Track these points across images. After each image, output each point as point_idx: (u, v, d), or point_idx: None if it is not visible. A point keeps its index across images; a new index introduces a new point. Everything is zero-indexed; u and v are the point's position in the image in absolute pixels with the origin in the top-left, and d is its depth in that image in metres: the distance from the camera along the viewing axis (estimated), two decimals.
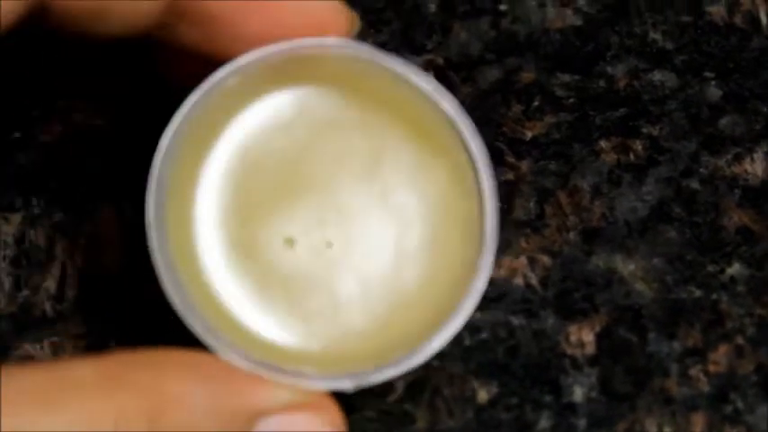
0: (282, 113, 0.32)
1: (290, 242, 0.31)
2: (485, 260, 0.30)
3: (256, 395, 0.28)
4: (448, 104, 0.31)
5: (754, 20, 0.39)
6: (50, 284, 0.35)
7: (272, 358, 0.29)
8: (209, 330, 0.29)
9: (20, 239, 0.35)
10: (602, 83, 0.38)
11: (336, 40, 0.31)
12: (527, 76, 0.38)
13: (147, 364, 0.27)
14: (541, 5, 0.39)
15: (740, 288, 0.36)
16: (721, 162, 0.38)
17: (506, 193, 0.37)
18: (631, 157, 0.38)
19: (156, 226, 0.29)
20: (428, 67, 0.38)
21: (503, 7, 0.39)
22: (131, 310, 0.35)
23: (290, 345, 0.31)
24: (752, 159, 0.38)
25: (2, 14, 0.28)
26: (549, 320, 0.35)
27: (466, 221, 0.31)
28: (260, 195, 0.31)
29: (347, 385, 0.29)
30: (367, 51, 0.31)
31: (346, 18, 0.32)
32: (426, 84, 0.31)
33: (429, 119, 0.31)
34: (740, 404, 0.35)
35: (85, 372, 0.27)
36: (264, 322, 0.31)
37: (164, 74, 0.33)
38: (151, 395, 0.27)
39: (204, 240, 0.31)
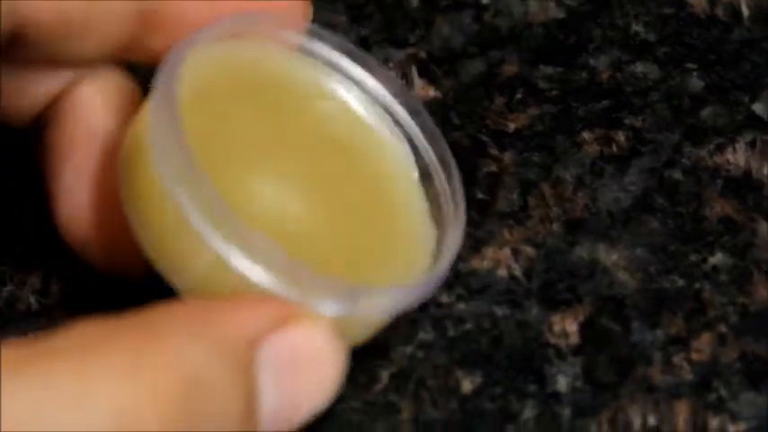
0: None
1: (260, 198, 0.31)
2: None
3: (247, 321, 0.27)
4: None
5: (735, 12, 0.40)
6: (35, 279, 0.35)
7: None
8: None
9: (4, 235, 0.35)
10: (584, 75, 0.39)
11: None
12: (510, 68, 0.39)
13: (134, 331, 0.27)
14: None
15: (723, 277, 0.36)
16: (703, 153, 0.38)
17: (490, 185, 0.37)
18: (614, 148, 0.38)
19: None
20: (411, 60, 0.39)
21: (485, 1, 0.40)
22: (116, 302, 0.35)
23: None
24: (734, 150, 0.38)
25: None
26: (533, 311, 0.35)
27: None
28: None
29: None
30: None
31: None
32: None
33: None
34: (723, 392, 0.35)
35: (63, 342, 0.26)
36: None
37: None
38: (151, 361, 0.26)
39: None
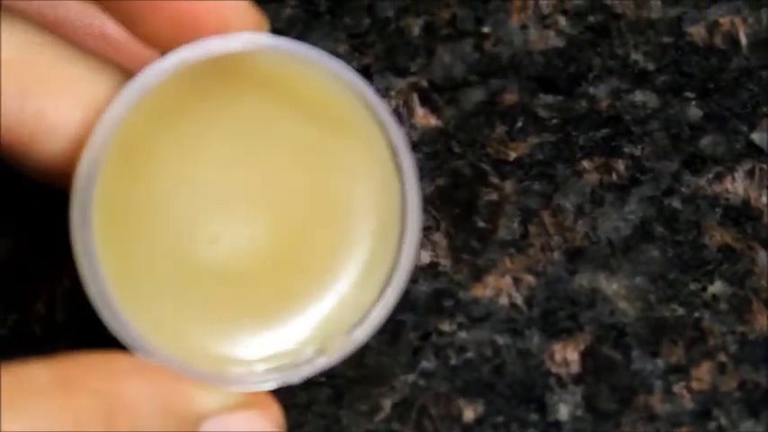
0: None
1: (214, 239, 0.31)
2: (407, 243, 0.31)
3: (200, 397, 0.29)
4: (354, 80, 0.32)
5: (733, 41, 0.40)
6: (40, 307, 0.35)
7: (199, 360, 0.30)
8: (135, 335, 0.29)
9: (8, 262, 0.35)
10: (584, 103, 0.39)
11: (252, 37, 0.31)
12: (510, 97, 0.39)
13: (99, 367, 0.28)
14: (524, 27, 0.40)
15: (722, 306, 0.36)
16: (702, 181, 0.38)
17: (491, 214, 0.37)
18: (614, 176, 0.38)
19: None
20: (412, 89, 0.39)
21: (486, 29, 0.40)
22: None
23: (217, 346, 0.31)
24: (733, 178, 0.38)
25: None
26: (534, 339, 0.36)
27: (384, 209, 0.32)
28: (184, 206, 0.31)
29: (271, 385, 0.31)
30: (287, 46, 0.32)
31: (255, 18, 0.32)
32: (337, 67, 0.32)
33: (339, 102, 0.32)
34: (724, 420, 0.35)
35: (41, 373, 0.27)
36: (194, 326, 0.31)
37: None
38: (106, 398, 0.27)
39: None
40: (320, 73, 0.32)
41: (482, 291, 0.36)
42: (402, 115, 0.38)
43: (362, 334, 0.31)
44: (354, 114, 0.32)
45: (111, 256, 0.30)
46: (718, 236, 0.37)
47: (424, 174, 0.37)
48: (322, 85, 0.32)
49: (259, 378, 0.31)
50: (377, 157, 0.32)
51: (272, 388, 0.31)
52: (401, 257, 0.32)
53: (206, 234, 0.31)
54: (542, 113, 0.39)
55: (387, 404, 0.35)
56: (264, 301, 0.31)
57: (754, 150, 0.38)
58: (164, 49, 0.31)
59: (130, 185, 0.30)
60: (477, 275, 0.36)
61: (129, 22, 0.31)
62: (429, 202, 0.37)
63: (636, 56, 0.40)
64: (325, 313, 0.31)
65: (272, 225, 0.31)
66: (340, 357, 0.31)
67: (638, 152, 0.38)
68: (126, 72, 0.31)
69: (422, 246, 0.36)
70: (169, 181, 0.31)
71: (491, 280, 0.36)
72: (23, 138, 0.30)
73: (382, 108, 0.32)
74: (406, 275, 0.32)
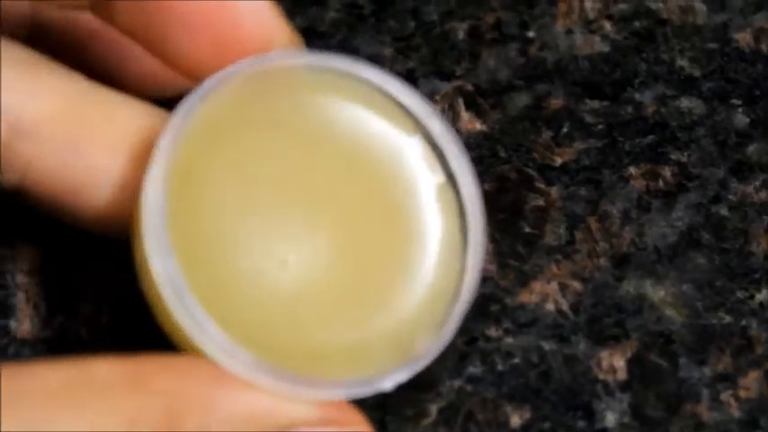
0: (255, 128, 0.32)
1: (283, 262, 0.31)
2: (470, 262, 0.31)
3: (282, 406, 0.28)
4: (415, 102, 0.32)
5: None
6: (86, 310, 0.35)
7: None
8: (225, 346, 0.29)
9: (55, 265, 0.35)
10: (630, 109, 0.39)
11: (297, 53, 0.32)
12: (556, 102, 0.39)
13: (172, 368, 0.28)
14: (569, 32, 0.40)
15: None
16: (749, 189, 0.38)
17: (537, 219, 0.37)
18: (660, 183, 0.38)
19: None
20: (458, 93, 0.39)
21: (531, 34, 0.40)
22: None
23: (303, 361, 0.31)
24: None
25: None
26: (581, 346, 0.36)
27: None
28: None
29: (360, 393, 0.30)
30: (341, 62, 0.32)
31: (289, 34, 0.32)
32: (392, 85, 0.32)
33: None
34: None
35: (109, 371, 0.27)
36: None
37: None
38: (171, 397, 0.27)
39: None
40: (379, 95, 0.32)
41: (528, 296, 0.36)
42: (447, 119, 0.38)
43: (448, 332, 0.31)
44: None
45: (194, 284, 0.29)
46: (765, 243, 0.37)
47: None
48: (381, 106, 0.32)
49: (345, 387, 0.30)
50: (431, 163, 0.32)
51: (361, 396, 0.30)
52: (467, 262, 0.31)
53: (276, 258, 0.31)
54: (588, 119, 0.39)
55: (433, 409, 0.35)
56: (344, 316, 0.31)
57: None
58: (198, 75, 0.31)
59: (194, 213, 0.30)
60: (524, 281, 0.36)
61: (165, 50, 0.31)
62: None
63: (682, 62, 0.40)
64: (405, 319, 0.31)
65: (338, 242, 0.31)
66: (428, 360, 0.31)
67: (684, 159, 0.38)
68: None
69: None
70: (231, 206, 0.31)
71: (537, 286, 0.36)
72: (72, 187, 0.31)
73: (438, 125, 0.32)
74: (477, 277, 0.31)
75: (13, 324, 0.35)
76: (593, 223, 0.37)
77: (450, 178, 0.32)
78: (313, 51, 0.32)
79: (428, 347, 0.31)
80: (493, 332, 0.36)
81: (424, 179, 0.32)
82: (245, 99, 0.31)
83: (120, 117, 0.31)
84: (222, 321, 0.29)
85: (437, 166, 0.32)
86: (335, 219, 0.31)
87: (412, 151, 0.32)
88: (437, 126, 0.32)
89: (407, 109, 0.32)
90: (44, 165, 0.31)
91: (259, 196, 0.31)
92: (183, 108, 0.30)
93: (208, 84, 0.30)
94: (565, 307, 0.36)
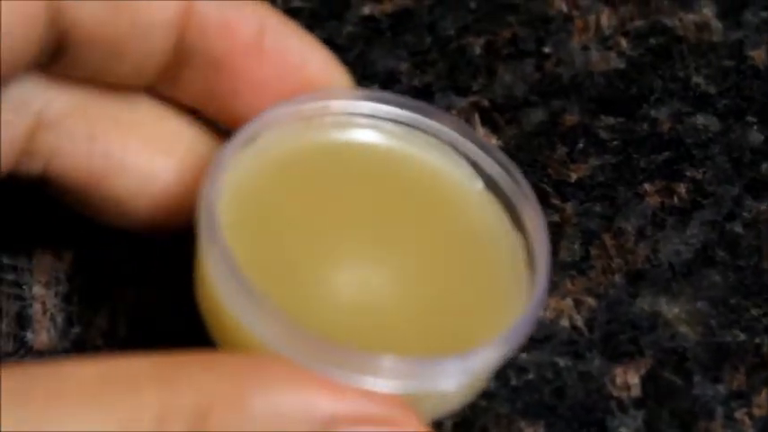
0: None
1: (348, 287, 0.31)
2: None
3: (323, 403, 0.27)
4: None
5: None
6: (102, 321, 0.35)
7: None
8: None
9: (72, 277, 0.35)
10: (645, 126, 0.39)
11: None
12: (571, 118, 0.39)
13: (202, 364, 0.27)
14: (585, 48, 0.40)
15: None
16: (764, 206, 0.38)
17: (552, 235, 0.37)
18: (675, 200, 0.38)
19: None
20: (474, 108, 0.39)
21: (547, 50, 0.40)
22: (183, 344, 0.35)
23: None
24: None
25: None
26: (595, 362, 0.36)
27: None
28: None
29: (414, 386, 0.28)
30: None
31: (343, 72, 0.32)
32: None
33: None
34: None
35: (141, 367, 0.26)
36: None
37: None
38: (201, 394, 0.26)
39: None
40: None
41: (543, 312, 0.36)
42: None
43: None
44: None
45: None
46: None
47: None
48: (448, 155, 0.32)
49: (400, 385, 0.28)
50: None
51: (414, 391, 0.28)
52: (537, 278, 0.31)
53: (338, 283, 0.31)
54: (603, 135, 0.39)
55: (448, 424, 0.35)
56: (407, 344, 0.30)
57: None
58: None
59: (253, 237, 0.30)
60: None
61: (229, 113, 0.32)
62: None
63: (697, 79, 0.40)
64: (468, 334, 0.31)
65: (399, 268, 0.31)
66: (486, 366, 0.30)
67: (699, 176, 0.38)
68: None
69: None
70: (290, 231, 0.31)
71: (552, 302, 0.36)
72: (93, 178, 0.32)
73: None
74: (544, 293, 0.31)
75: (29, 335, 0.35)
76: (607, 240, 0.37)
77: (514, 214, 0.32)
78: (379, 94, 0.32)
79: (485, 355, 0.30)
80: None
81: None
82: (303, 131, 0.32)
83: (175, 130, 0.32)
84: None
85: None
86: (396, 245, 0.31)
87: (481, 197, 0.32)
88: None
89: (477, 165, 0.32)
90: (66, 154, 0.32)
91: (317, 225, 0.31)
92: (249, 127, 0.31)
93: (274, 112, 0.31)
94: (579, 323, 0.36)
